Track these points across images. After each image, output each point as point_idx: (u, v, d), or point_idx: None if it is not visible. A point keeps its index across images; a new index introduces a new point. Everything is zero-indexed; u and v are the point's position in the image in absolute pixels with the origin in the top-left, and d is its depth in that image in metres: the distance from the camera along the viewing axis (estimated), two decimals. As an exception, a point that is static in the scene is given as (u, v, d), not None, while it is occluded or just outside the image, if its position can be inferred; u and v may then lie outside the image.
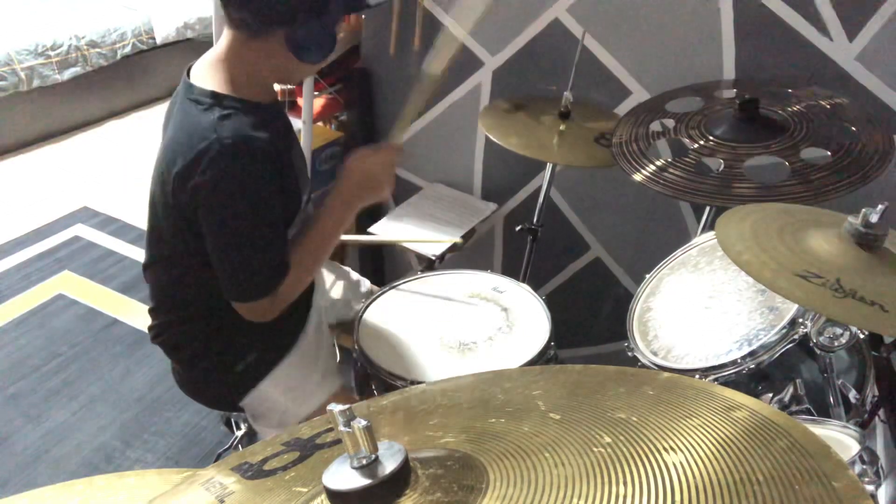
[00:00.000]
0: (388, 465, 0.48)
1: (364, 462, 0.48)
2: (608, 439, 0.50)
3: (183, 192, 1.12)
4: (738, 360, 1.06)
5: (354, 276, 1.67)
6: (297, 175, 1.25)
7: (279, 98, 2.14)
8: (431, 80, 1.29)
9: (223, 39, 1.15)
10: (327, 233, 1.27)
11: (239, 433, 1.62)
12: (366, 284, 1.69)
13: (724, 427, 0.49)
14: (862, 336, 1.03)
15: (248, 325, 1.26)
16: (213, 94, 1.12)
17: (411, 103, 1.33)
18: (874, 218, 0.90)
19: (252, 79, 1.16)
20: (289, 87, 2.15)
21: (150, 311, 1.38)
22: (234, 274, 1.18)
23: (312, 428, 0.68)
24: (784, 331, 1.05)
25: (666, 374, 0.60)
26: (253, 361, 1.33)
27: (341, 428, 0.48)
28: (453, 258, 1.88)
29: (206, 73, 1.16)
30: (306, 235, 1.25)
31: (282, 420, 1.35)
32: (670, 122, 1.44)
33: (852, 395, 1.07)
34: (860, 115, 1.33)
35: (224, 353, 1.33)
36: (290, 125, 1.32)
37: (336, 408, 0.48)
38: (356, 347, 1.37)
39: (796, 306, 1.06)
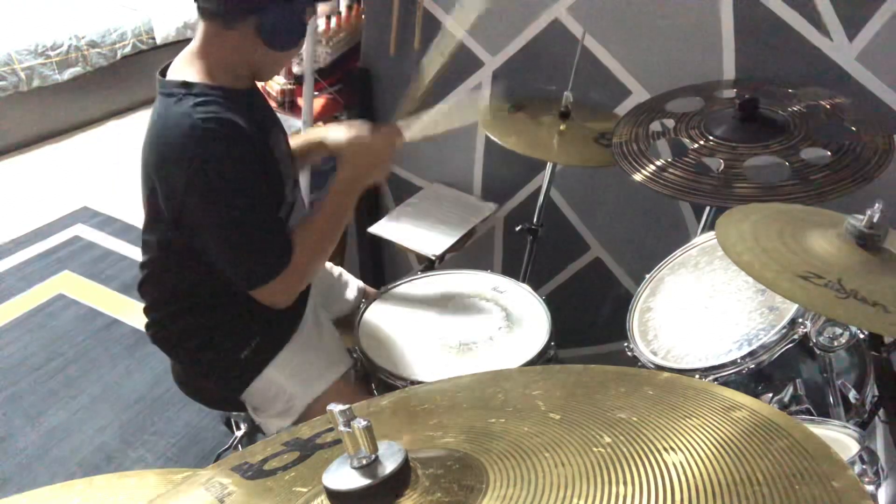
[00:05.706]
0: (388, 465, 0.48)
1: (364, 462, 0.48)
2: (608, 439, 0.50)
3: (170, 184, 1.12)
4: (738, 360, 1.06)
5: (347, 276, 1.67)
6: (277, 160, 1.25)
7: (280, 97, 2.15)
8: (430, 74, 1.36)
9: (197, 34, 1.17)
10: (335, 211, 1.27)
11: (239, 433, 1.62)
12: (360, 285, 1.68)
13: (724, 427, 0.49)
14: (862, 336, 1.03)
15: (245, 314, 1.27)
16: (185, 84, 1.14)
17: (412, 92, 1.38)
18: (875, 218, 0.90)
19: (226, 69, 1.17)
20: (288, 86, 2.15)
21: (145, 310, 1.38)
22: (239, 259, 1.17)
23: (312, 428, 0.68)
24: (784, 331, 1.05)
25: (666, 374, 0.60)
26: (257, 346, 1.32)
27: (341, 428, 0.48)
28: (453, 258, 1.88)
29: (180, 68, 1.18)
30: (315, 217, 1.26)
31: (287, 407, 1.34)
32: (670, 122, 1.44)
33: (852, 395, 1.07)
34: (860, 115, 1.33)
35: (227, 342, 1.32)
36: (269, 109, 1.32)
37: (336, 408, 0.48)
38: (356, 347, 1.37)
39: (796, 306, 1.06)
